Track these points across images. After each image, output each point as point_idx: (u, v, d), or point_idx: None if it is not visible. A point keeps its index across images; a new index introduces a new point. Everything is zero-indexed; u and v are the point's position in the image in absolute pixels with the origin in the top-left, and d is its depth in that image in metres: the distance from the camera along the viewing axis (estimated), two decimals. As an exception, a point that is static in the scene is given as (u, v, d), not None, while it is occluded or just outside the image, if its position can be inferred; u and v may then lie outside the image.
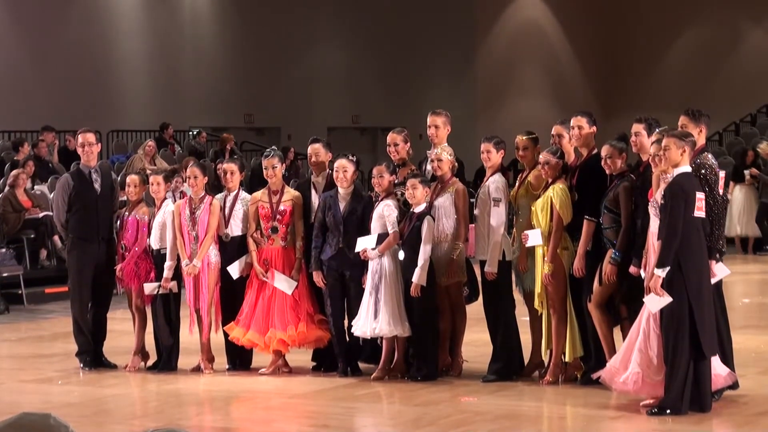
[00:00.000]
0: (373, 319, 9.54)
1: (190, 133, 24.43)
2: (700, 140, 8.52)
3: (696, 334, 7.95)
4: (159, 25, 25.40)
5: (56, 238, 16.12)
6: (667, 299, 7.93)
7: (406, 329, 9.54)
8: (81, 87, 23.03)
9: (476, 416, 8.40)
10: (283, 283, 9.95)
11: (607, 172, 8.91)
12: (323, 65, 27.71)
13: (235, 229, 10.26)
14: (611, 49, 33.13)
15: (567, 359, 9.24)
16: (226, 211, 10.27)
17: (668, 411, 8.00)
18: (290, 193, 10.17)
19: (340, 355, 9.95)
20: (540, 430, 8.29)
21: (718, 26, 31.57)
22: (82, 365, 10.57)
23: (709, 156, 8.48)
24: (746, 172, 20.24)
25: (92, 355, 10.59)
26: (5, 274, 15.32)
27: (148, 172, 14.16)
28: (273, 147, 11.13)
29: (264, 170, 10.18)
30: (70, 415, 8.33)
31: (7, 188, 16.50)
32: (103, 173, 10.73)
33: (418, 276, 9.43)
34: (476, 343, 10.37)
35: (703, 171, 8.28)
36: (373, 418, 8.69)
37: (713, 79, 31.18)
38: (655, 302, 8.00)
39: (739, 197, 20.43)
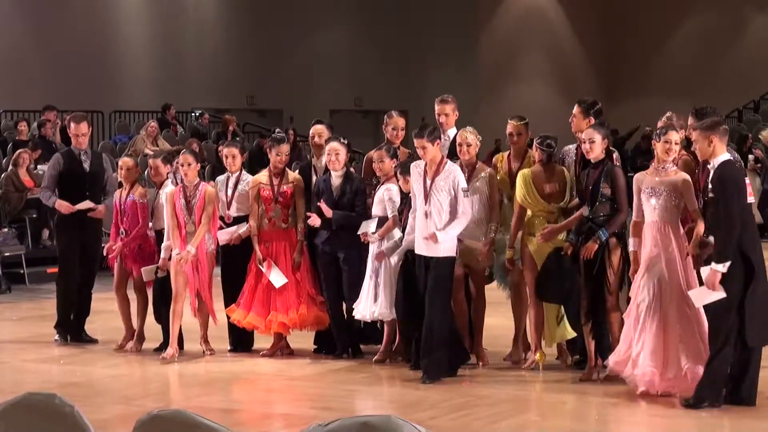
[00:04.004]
0: (373, 303, 9.54)
1: (193, 114, 24.43)
2: None
3: (744, 324, 7.71)
4: (162, 6, 25.36)
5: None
6: (721, 294, 7.68)
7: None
8: (84, 67, 23.01)
9: (478, 400, 8.42)
10: (275, 278, 9.94)
11: (588, 157, 8.82)
12: (326, 48, 27.68)
13: (239, 210, 10.30)
14: (615, 35, 33.09)
15: (547, 345, 9.34)
16: (229, 192, 10.32)
17: (705, 403, 7.82)
18: (291, 175, 10.19)
19: (338, 338, 9.98)
20: (542, 414, 8.30)
21: (722, 13, 31.54)
22: (58, 338, 10.86)
23: (733, 151, 8.50)
24: (750, 156, 20.24)
25: (71, 330, 10.87)
26: (7, 254, 15.33)
27: (148, 153, 14.17)
28: (278, 130, 11.13)
29: (276, 156, 10.13)
30: (71, 394, 8.29)
31: (9, 167, 16.50)
32: (93, 154, 11.12)
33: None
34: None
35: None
36: (374, 401, 8.71)
37: (716, 65, 31.15)
38: (703, 296, 7.77)
39: (741, 183, 20.36)
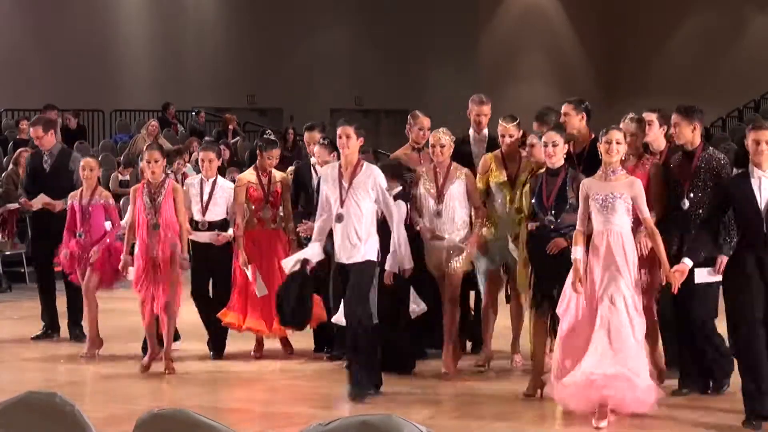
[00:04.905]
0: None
1: (193, 113, 24.48)
2: (696, 138, 8.20)
3: None
4: (162, 6, 25.39)
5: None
6: None
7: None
8: (84, 67, 23.03)
9: (477, 400, 8.43)
10: (259, 288, 9.87)
11: (549, 161, 8.36)
12: (326, 46, 27.70)
13: (214, 215, 10.13)
14: (615, 35, 33.10)
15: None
16: (205, 197, 10.11)
17: None
18: (279, 174, 10.17)
19: (338, 337, 9.90)
20: (541, 414, 8.30)
21: (722, 12, 31.54)
22: (35, 337, 11.23)
23: (717, 151, 8.31)
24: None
25: (54, 332, 11.28)
26: (8, 253, 15.32)
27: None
28: (270, 132, 10.95)
29: (267, 160, 10.05)
30: (72, 394, 8.29)
31: (10, 166, 16.51)
32: (60, 154, 11.46)
33: (389, 263, 8.97)
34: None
35: (716, 167, 8.10)
36: (374, 401, 8.68)
37: (717, 65, 31.15)
38: None
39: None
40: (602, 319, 7.61)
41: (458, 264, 9.12)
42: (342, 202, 8.37)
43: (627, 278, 7.67)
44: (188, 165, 17.91)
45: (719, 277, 7.83)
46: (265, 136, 9.94)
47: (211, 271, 10.17)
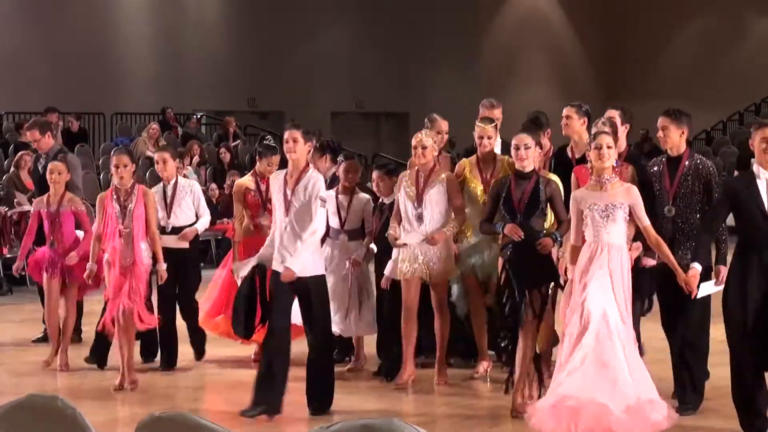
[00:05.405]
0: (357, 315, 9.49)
1: (194, 116, 24.52)
2: (682, 144, 8.00)
3: None
4: (163, 6, 25.42)
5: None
6: None
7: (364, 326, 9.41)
8: (84, 67, 23.08)
9: (477, 403, 8.43)
10: None
11: (519, 165, 8.10)
12: (327, 50, 27.71)
13: (180, 219, 9.90)
14: (615, 37, 33.13)
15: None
16: (167, 201, 9.82)
17: None
18: None
19: (339, 342, 9.88)
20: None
21: (723, 16, 31.56)
22: (36, 340, 11.27)
23: (705, 158, 8.13)
24: (753, 160, 20.22)
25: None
26: (9, 255, 15.33)
27: (150, 155, 14.18)
28: (269, 138, 10.74)
29: (267, 166, 9.81)
30: (72, 397, 8.35)
31: (11, 169, 16.53)
32: (53, 157, 11.18)
33: (389, 269, 9.05)
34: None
35: (705, 175, 7.90)
36: (374, 404, 8.69)
37: (717, 68, 31.16)
38: None
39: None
40: (589, 338, 7.16)
41: (439, 267, 8.84)
42: (287, 210, 7.96)
43: (620, 296, 7.32)
44: (189, 168, 17.94)
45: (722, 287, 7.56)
46: (264, 141, 9.68)
47: (176, 276, 9.76)
